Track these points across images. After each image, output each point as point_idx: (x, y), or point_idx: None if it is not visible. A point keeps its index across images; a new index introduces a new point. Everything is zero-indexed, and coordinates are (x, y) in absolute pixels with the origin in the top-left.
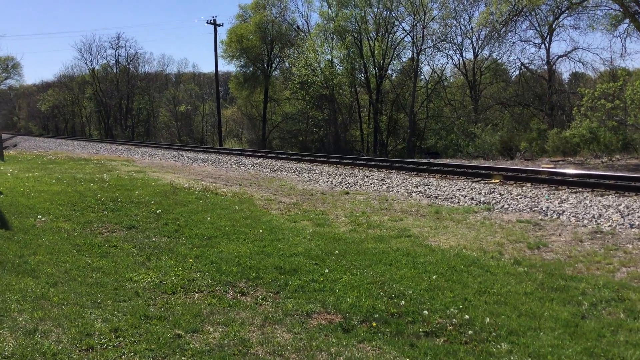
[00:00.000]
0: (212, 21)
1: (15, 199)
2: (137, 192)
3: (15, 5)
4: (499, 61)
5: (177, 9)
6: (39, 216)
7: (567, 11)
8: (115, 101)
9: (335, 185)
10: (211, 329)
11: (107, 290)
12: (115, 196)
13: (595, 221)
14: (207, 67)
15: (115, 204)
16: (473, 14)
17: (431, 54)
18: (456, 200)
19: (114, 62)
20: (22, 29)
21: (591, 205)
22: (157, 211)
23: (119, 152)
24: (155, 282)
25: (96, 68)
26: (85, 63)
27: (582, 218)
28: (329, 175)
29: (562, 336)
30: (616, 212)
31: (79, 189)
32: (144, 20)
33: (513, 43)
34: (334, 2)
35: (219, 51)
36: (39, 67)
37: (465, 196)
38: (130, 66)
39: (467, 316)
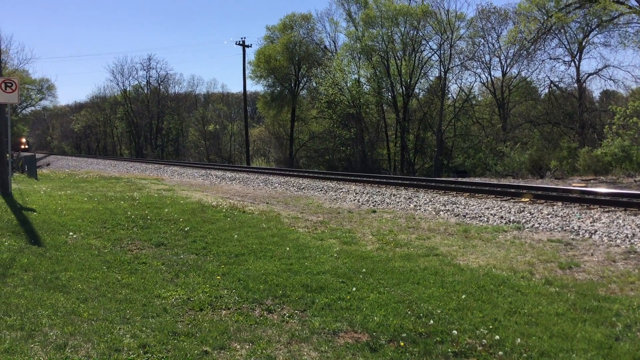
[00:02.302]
0: (240, 42)
1: (48, 216)
2: (166, 210)
3: (50, 28)
4: (528, 79)
5: (207, 31)
6: (71, 233)
7: (597, 29)
8: (146, 121)
9: (362, 203)
10: (238, 346)
11: (136, 306)
12: (144, 214)
13: (629, 241)
14: (236, 88)
15: (145, 221)
16: (501, 32)
17: (459, 72)
18: (485, 219)
19: (145, 83)
20: (57, 51)
21: (624, 225)
22: (186, 229)
23: (148, 171)
24: (183, 298)
25: (128, 89)
26: (117, 84)
27: (615, 238)
28: (356, 193)
29: (595, 358)
30: None
31: (109, 207)
32: (175, 42)
33: (542, 61)
34: (360, 22)
35: (247, 71)
36: (73, 89)
37: (495, 215)
38: (161, 87)
39: (497, 337)
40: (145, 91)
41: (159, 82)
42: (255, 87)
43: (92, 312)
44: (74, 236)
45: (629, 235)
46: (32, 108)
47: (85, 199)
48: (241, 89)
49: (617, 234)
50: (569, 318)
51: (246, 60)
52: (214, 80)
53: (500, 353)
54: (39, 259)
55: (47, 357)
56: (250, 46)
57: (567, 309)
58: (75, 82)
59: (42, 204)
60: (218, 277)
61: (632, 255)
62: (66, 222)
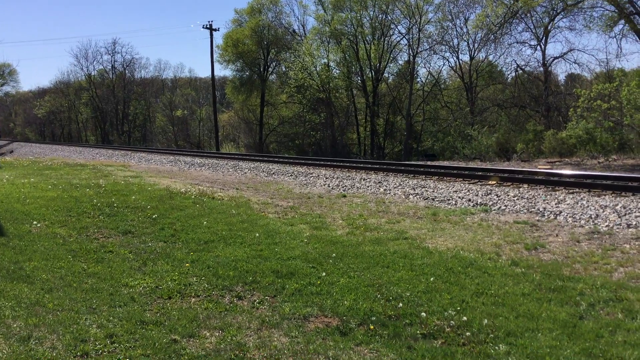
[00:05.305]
0: (208, 26)
1: (10, 205)
2: (134, 197)
3: (12, 11)
4: (495, 63)
5: (173, 15)
6: (35, 222)
7: (562, 12)
8: (112, 106)
9: (332, 188)
10: (207, 334)
11: (102, 295)
12: (111, 201)
13: (593, 221)
14: (204, 72)
15: (112, 209)
16: (469, 17)
17: (427, 56)
18: (453, 202)
19: (110, 67)
20: (19, 35)
21: (588, 206)
22: (154, 216)
23: (115, 158)
24: (152, 287)
25: (92, 74)
26: (82, 69)
27: (579, 218)
28: (326, 178)
29: (560, 337)
30: (613, 212)
31: (74, 195)
32: (140, 26)
33: (509, 45)
34: (330, 6)
35: (215, 56)
36: (35, 74)
37: (462, 198)
38: (127, 71)
39: (464, 318)
40: (111, 76)
41: (125, 66)
42: (224, 71)
43: (58, 303)
44: (38, 225)
45: (593, 216)
46: None
47: (50, 186)
48: (209, 74)
49: (581, 214)
50: (535, 298)
51: (214, 44)
52: (181, 65)
53: (468, 334)
54: (2, 249)
55: (11, 349)
56: (218, 30)
57: (533, 289)
58: (38, 67)
59: (4, 193)
60: (187, 265)
61: (595, 236)
62: (30, 211)
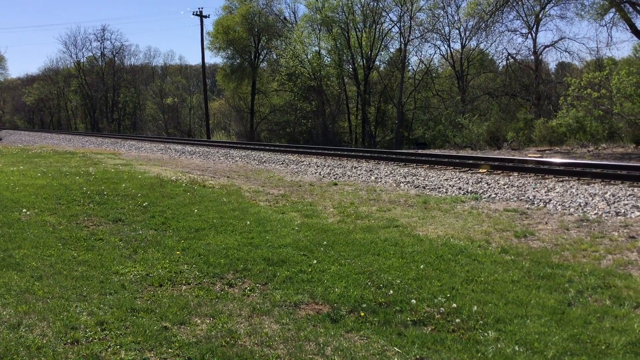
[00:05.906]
0: (198, 13)
1: None
2: (124, 185)
3: None
4: (486, 51)
5: (163, 1)
6: (24, 210)
7: (553, 1)
8: (101, 94)
9: (323, 176)
10: (198, 321)
11: (93, 283)
12: (101, 189)
13: (582, 209)
14: (194, 59)
15: (102, 197)
16: (460, 4)
17: (419, 44)
18: (444, 190)
19: (99, 54)
20: (6, 22)
21: (577, 194)
22: (144, 204)
23: (105, 146)
24: (142, 274)
25: (81, 61)
26: (71, 56)
27: (569, 206)
28: (317, 166)
29: (549, 323)
30: (602, 201)
31: (64, 183)
32: (130, 12)
33: (500, 33)
34: None
35: (205, 43)
36: (24, 61)
37: (453, 186)
38: (116, 59)
39: (454, 305)
40: (100, 63)
41: (114, 53)
42: (215, 59)
43: (48, 290)
44: (28, 213)
45: (582, 204)
46: None
47: (39, 174)
48: (200, 61)
49: (570, 202)
50: (524, 285)
51: (204, 31)
52: (171, 52)
53: (458, 320)
54: None
55: (0, 336)
56: (208, 17)
57: (522, 276)
58: (26, 54)
59: None
60: (178, 252)
61: (584, 223)
62: (19, 199)
